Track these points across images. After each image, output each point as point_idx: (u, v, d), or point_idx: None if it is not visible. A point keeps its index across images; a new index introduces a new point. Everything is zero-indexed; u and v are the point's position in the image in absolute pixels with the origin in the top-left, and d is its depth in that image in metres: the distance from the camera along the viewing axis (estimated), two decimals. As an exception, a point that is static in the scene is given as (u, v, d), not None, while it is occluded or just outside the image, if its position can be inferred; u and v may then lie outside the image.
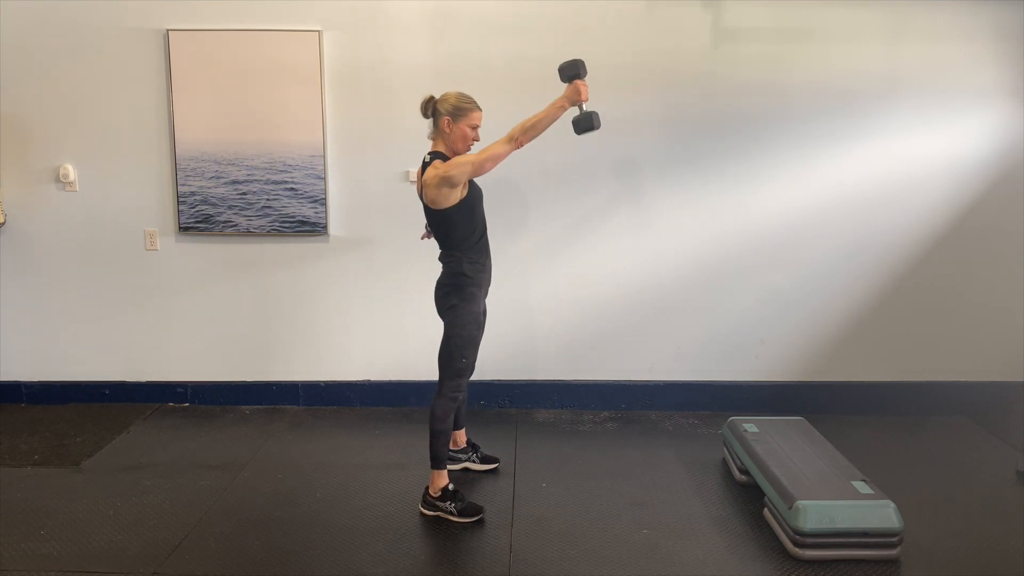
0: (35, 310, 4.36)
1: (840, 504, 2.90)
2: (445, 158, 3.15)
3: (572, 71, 3.13)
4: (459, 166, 3.06)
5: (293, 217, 4.24)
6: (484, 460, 3.68)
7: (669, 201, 4.24)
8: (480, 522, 3.19)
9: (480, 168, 3.06)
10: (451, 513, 3.20)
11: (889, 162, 4.20)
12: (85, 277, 4.33)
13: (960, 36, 4.08)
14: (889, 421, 4.29)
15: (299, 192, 4.22)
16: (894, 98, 4.14)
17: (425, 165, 3.18)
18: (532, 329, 4.34)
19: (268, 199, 4.22)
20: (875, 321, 4.35)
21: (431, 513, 3.24)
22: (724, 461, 3.77)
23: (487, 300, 3.45)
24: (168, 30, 4.08)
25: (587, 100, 3.12)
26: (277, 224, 4.25)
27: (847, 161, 4.20)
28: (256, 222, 4.25)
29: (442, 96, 3.18)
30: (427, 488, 3.27)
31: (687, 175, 4.21)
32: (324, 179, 4.20)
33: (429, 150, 3.22)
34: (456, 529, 3.15)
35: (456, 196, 3.12)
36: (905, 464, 3.76)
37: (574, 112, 3.15)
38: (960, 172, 4.21)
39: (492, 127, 4.15)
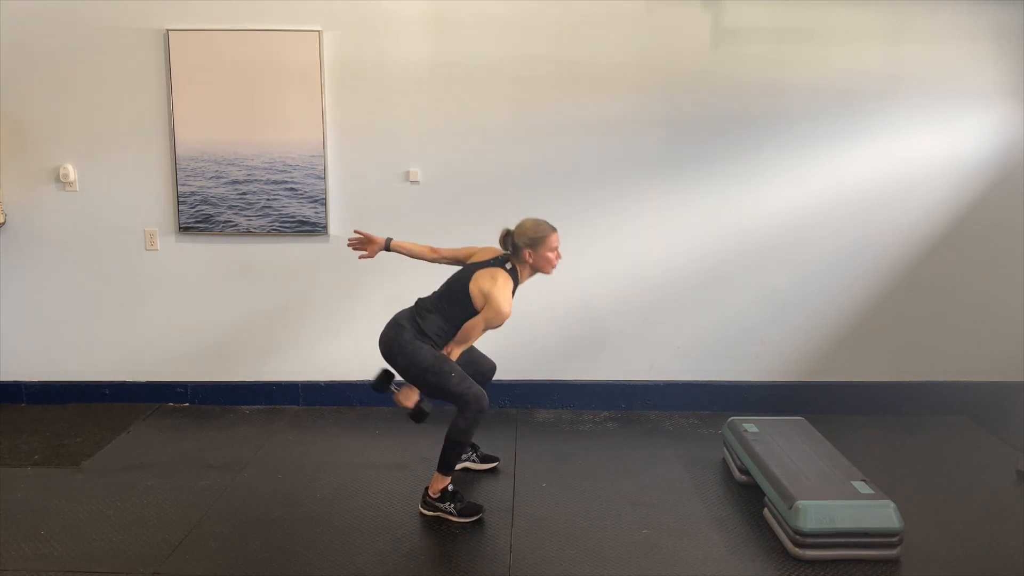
0: (35, 310, 4.36)
1: (840, 504, 2.90)
2: (516, 276, 3.25)
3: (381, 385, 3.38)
4: (494, 324, 3.19)
5: (293, 217, 4.24)
6: (484, 459, 3.68)
7: (669, 201, 4.24)
8: (480, 522, 3.19)
9: (478, 331, 3.23)
10: (451, 514, 3.20)
11: (889, 162, 4.20)
12: (85, 277, 4.33)
13: (960, 36, 4.08)
14: (889, 421, 4.29)
15: (299, 192, 4.22)
16: (894, 98, 4.14)
17: (500, 262, 3.26)
18: (532, 329, 4.34)
19: (268, 199, 4.22)
20: (875, 321, 4.35)
21: (431, 514, 3.24)
22: (724, 461, 3.77)
23: None
24: (168, 30, 4.08)
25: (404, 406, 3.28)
26: (277, 224, 4.25)
27: (847, 161, 4.20)
28: (256, 222, 4.25)
29: (518, 228, 3.26)
30: (427, 489, 3.27)
31: (687, 175, 4.21)
32: (324, 179, 4.20)
33: (507, 260, 3.29)
34: (456, 529, 3.15)
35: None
36: (905, 464, 3.76)
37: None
38: (960, 172, 4.21)
39: (492, 127, 4.18)
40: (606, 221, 4.26)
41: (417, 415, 3.24)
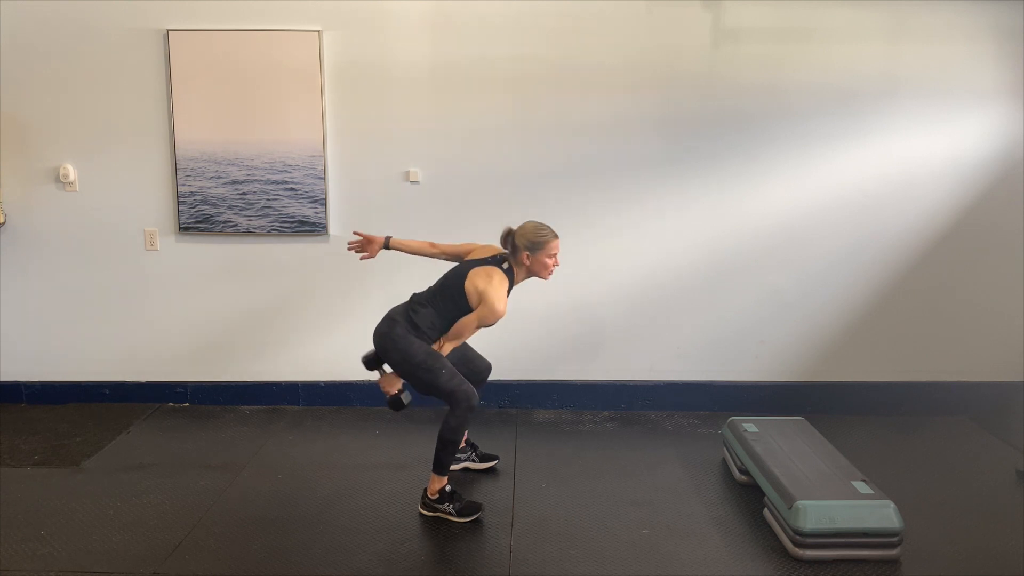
0: (35, 310, 4.36)
1: (840, 504, 2.90)
2: (512, 277, 3.26)
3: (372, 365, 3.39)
4: (488, 323, 3.18)
5: (293, 217, 4.24)
6: (483, 458, 3.68)
7: (668, 201, 4.24)
8: (479, 521, 3.19)
9: (470, 328, 3.23)
10: (450, 514, 3.20)
11: (889, 162, 4.20)
12: (85, 277, 4.33)
13: (960, 36, 4.08)
14: (889, 421, 4.29)
15: (299, 192, 4.22)
16: (894, 98, 4.14)
17: (497, 261, 3.26)
18: (532, 329, 4.34)
19: (268, 199, 4.22)
20: (875, 321, 4.35)
21: (430, 514, 3.24)
22: (724, 461, 3.77)
23: None
24: (168, 30, 4.08)
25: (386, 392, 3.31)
26: (277, 224, 4.25)
27: (847, 161, 4.20)
28: (256, 222, 4.25)
29: (519, 229, 3.25)
30: (425, 490, 3.27)
31: (687, 175, 4.21)
32: (324, 179, 4.20)
33: (505, 259, 3.29)
34: (456, 529, 3.15)
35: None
36: (905, 464, 3.76)
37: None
38: (960, 172, 4.21)
39: (492, 127, 4.18)
40: (606, 221, 4.26)
41: (395, 404, 3.26)
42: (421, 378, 3.18)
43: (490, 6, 4.06)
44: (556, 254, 3.27)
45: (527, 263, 3.24)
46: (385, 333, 3.23)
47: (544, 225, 3.27)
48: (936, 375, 4.40)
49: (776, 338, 4.37)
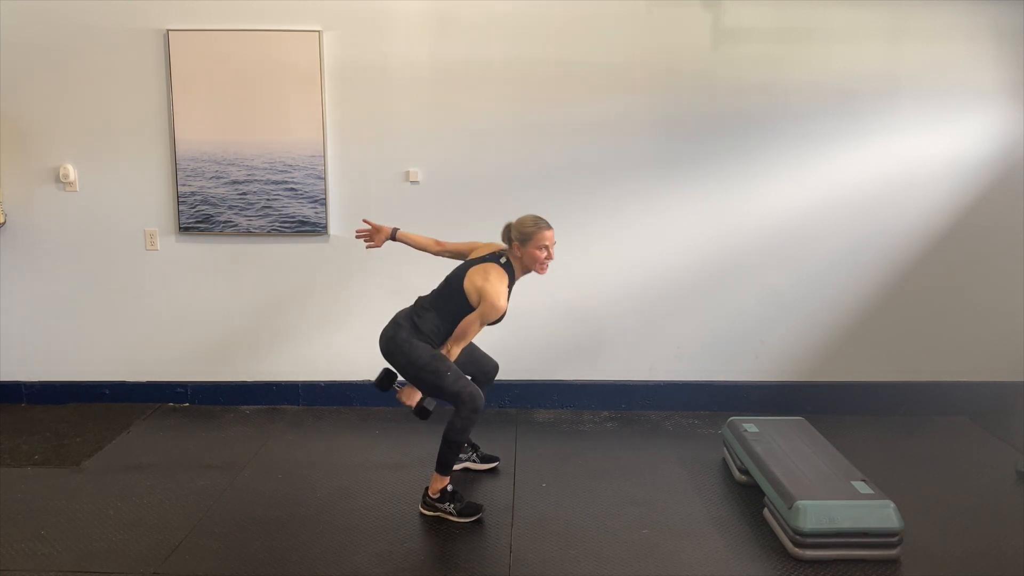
0: (35, 310, 4.36)
1: (840, 504, 2.90)
2: (512, 272, 3.24)
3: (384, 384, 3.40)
4: (489, 319, 3.17)
5: (293, 217, 4.24)
6: (484, 459, 3.68)
7: (668, 201, 4.24)
8: (479, 522, 3.19)
9: (474, 327, 3.21)
10: (451, 514, 3.20)
11: (889, 162, 4.20)
12: (85, 277, 4.33)
13: (960, 36, 4.08)
14: (889, 421, 4.29)
15: (299, 192, 4.22)
16: (894, 98, 4.14)
17: (495, 257, 3.26)
18: (532, 329, 4.34)
19: (268, 199, 4.22)
20: (875, 321, 4.35)
21: (431, 514, 3.24)
22: (724, 461, 3.77)
23: None
24: (168, 30, 4.08)
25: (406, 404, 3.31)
26: (277, 224, 4.25)
27: (847, 161, 4.20)
28: (256, 222, 4.25)
29: (516, 222, 3.25)
30: (426, 489, 3.27)
31: (687, 175, 4.21)
32: (324, 179, 4.20)
33: (503, 255, 3.29)
34: (456, 529, 3.15)
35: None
36: (905, 464, 3.76)
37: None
38: (960, 172, 4.21)
39: (492, 127, 4.18)
40: (606, 221, 4.26)
41: (421, 413, 3.24)
42: (426, 380, 3.18)
43: (490, 6, 4.06)
44: (548, 245, 3.22)
45: (519, 255, 3.23)
46: (390, 337, 3.24)
47: (539, 217, 3.25)
48: (936, 375, 4.40)
49: (776, 338, 4.37)
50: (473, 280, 3.18)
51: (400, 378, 3.33)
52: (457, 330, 3.22)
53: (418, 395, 3.25)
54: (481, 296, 3.15)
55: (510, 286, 3.23)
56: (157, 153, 4.21)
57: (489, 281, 3.15)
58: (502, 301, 3.14)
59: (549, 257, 3.24)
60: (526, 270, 3.30)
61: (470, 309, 3.20)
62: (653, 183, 4.22)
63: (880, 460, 3.76)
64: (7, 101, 4.17)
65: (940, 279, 4.31)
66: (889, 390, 4.40)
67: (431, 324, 3.23)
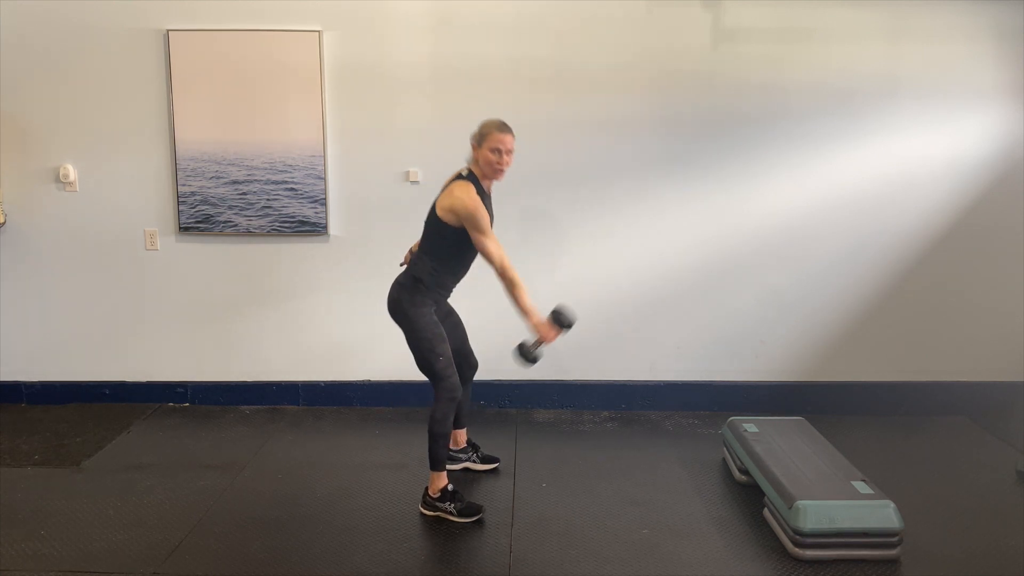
0: (35, 310, 4.36)
1: (840, 504, 2.90)
2: (476, 180, 3.15)
3: (565, 322, 3.18)
4: (480, 223, 3.05)
5: (293, 217, 4.24)
6: (484, 460, 3.68)
7: (668, 201, 4.24)
8: (480, 522, 3.19)
9: (486, 248, 3.08)
10: (451, 513, 3.20)
11: (889, 162, 4.20)
12: (85, 277, 4.33)
13: (960, 36, 4.08)
14: (889, 421, 4.29)
15: (299, 192, 4.22)
16: (894, 98, 4.14)
17: (460, 176, 3.19)
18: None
19: (268, 199, 4.22)
20: (875, 321, 4.35)
21: (431, 513, 3.24)
22: (724, 461, 3.77)
23: (468, 308, 3.49)
24: (168, 30, 4.08)
25: (548, 343, 3.16)
26: (277, 224, 4.25)
27: (847, 161, 4.20)
28: (256, 222, 4.25)
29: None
30: (427, 489, 3.28)
31: (686, 175, 4.21)
32: (324, 179, 4.20)
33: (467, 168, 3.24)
34: (456, 529, 3.15)
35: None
36: (905, 464, 3.76)
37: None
38: (960, 172, 4.21)
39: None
40: (606, 221, 4.26)
41: (532, 358, 3.15)
42: (420, 350, 3.19)
43: (490, 6, 4.06)
44: (501, 149, 3.09)
45: (475, 155, 3.16)
46: (395, 299, 3.24)
47: (501, 121, 3.15)
48: (936, 375, 4.40)
49: (776, 338, 4.37)
50: (442, 203, 3.14)
51: (526, 340, 3.19)
52: (498, 272, 3.07)
53: (553, 333, 3.14)
54: (455, 212, 3.08)
55: (481, 194, 3.12)
56: (157, 153, 4.21)
57: (454, 195, 3.08)
58: (471, 201, 3.04)
59: (502, 163, 3.13)
60: (487, 177, 3.19)
61: (454, 236, 3.13)
62: (653, 183, 4.22)
63: (880, 460, 3.76)
64: (7, 101, 4.17)
65: (940, 279, 4.31)
66: (889, 390, 4.40)
67: (426, 268, 3.20)
